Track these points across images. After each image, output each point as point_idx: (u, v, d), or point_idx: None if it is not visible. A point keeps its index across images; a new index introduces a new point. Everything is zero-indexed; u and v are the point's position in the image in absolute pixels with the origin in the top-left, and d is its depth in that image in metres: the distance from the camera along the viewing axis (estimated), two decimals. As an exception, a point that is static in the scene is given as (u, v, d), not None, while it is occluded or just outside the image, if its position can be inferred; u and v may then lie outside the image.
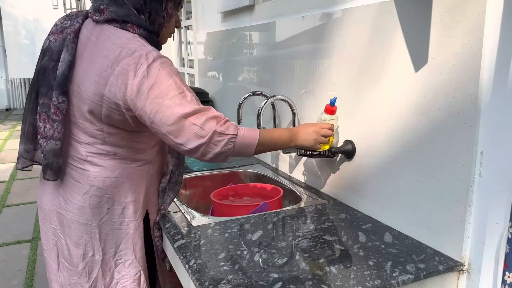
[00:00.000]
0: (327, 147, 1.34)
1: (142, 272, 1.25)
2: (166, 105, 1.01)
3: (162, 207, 1.30)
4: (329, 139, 1.31)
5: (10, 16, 9.14)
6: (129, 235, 1.22)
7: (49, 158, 1.11)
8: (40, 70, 1.11)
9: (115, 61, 1.03)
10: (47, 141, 1.10)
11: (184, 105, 1.02)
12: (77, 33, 1.10)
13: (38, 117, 1.12)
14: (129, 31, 1.08)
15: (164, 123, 1.02)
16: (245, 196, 1.61)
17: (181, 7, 1.21)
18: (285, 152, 1.66)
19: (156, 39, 1.14)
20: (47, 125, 1.10)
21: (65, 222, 1.18)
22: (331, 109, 1.33)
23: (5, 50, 9.48)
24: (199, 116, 1.04)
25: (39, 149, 1.15)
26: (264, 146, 1.15)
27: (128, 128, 1.13)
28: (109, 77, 1.03)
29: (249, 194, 1.62)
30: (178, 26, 1.25)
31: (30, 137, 1.17)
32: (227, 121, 1.08)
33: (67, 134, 1.14)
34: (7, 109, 10.06)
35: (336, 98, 1.32)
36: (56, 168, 1.12)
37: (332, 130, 1.30)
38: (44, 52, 1.12)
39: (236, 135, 1.08)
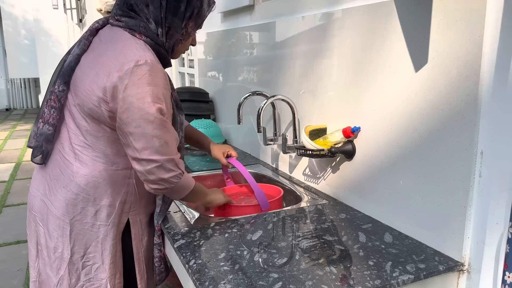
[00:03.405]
0: (326, 147, 1.35)
1: (108, 280, 1.21)
2: (137, 106, 1.03)
3: (157, 228, 1.29)
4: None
5: (10, 16, 9.13)
6: (99, 239, 1.20)
7: (39, 141, 1.18)
8: (60, 62, 1.21)
9: (111, 58, 1.07)
10: (43, 125, 1.18)
11: (155, 115, 1.05)
12: (93, 32, 1.19)
13: (46, 103, 1.20)
14: (135, 36, 1.11)
15: (129, 123, 1.04)
16: (243, 195, 1.62)
17: (200, 28, 1.24)
18: (285, 152, 1.66)
19: (163, 52, 1.15)
20: (46, 110, 1.18)
21: (44, 211, 1.20)
22: (348, 133, 1.33)
23: (5, 50, 9.47)
24: (164, 132, 1.07)
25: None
26: (191, 194, 1.21)
27: (106, 123, 1.13)
28: (101, 70, 1.07)
29: (246, 193, 1.62)
30: (194, 44, 1.29)
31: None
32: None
33: (62, 122, 1.19)
34: (7, 109, 10.06)
35: (360, 128, 1.32)
36: (44, 153, 1.18)
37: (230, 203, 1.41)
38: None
39: (183, 173, 1.15)
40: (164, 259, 1.34)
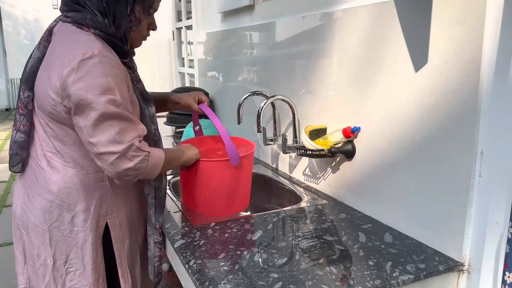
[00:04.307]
0: (328, 147, 1.34)
1: (92, 285, 1.20)
2: (86, 99, 1.00)
3: (157, 225, 1.26)
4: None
5: (10, 16, 9.14)
6: (78, 245, 1.18)
7: (14, 149, 1.17)
8: (24, 68, 1.17)
9: (59, 56, 1.05)
10: (16, 133, 1.17)
11: (106, 106, 1.01)
12: (50, 32, 1.15)
13: (17, 110, 1.18)
14: (84, 30, 1.08)
15: (82, 117, 1.02)
16: (214, 149, 1.52)
17: (154, 10, 1.19)
18: (285, 152, 1.66)
19: (117, 42, 1.11)
20: (18, 118, 1.16)
21: (25, 219, 1.19)
22: (348, 133, 1.33)
23: (5, 50, 9.47)
24: (120, 122, 1.04)
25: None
26: (166, 164, 1.17)
27: (68, 124, 1.11)
28: (51, 71, 1.06)
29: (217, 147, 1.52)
30: (153, 29, 1.23)
31: None
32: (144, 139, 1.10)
33: (34, 129, 1.17)
34: (7, 109, 10.06)
35: (360, 128, 1.32)
36: (20, 161, 1.18)
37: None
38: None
39: (149, 152, 1.10)
40: (162, 259, 1.32)
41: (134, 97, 1.15)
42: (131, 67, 1.20)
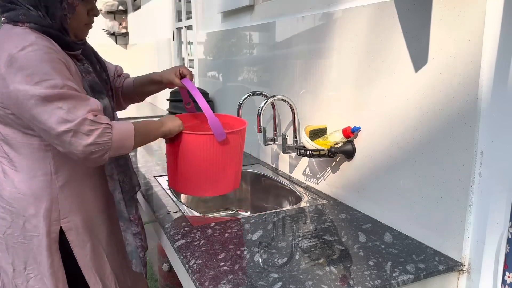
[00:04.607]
0: (328, 147, 1.35)
1: None
2: (27, 91, 0.99)
3: (132, 217, 1.25)
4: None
5: (10, 16, 9.14)
6: (34, 251, 1.15)
7: None
8: None
9: None
10: None
11: (47, 91, 0.99)
12: None
13: None
14: (19, 26, 1.07)
15: (28, 108, 1.00)
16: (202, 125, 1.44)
17: None
18: (285, 152, 1.66)
19: (55, 33, 1.08)
20: None
21: None
22: (348, 133, 1.33)
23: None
24: (66, 101, 1.00)
25: None
26: (141, 135, 1.13)
27: (14, 125, 1.09)
28: None
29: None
30: (96, 14, 1.18)
31: None
32: (103, 114, 1.05)
33: None
34: None
35: (360, 128, 1.32)
36: None
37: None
38: None
39: (110, 125, 1.05)
40: (146, 249, 1.29)
41: (81, 89, 1.11)
42: (80, 60, 1.17)
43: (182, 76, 1.35)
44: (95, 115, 1.03)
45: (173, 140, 1.27)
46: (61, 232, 1.18)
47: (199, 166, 1.27)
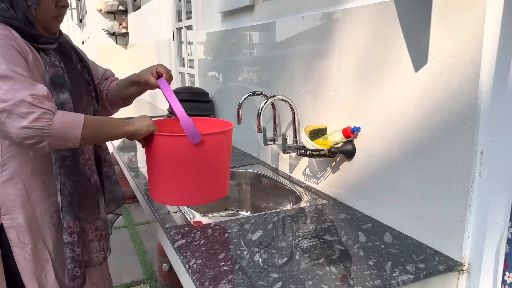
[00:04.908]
0: (328, 147, 1.35)
1: None
2: None
3: (65, 224, 1.16)
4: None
5: (10, 16, 9.14)
6: None
7: None
8: None
9: None
10: None
11: None
12: None
13: None
14: None
15: None
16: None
17: None
18: (285, 152, 1.66)
19: (19, 25, 1.07)
20: None
21: None
22: (348, 133, 1.33)
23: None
24: (8, 82, 0.97)
25: None
26: (93, 129, 1.06)
27: None
28: None
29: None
30: (64, 6, 1.15)
31: None
32: (50, 101, 1.00)
33: None
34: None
35: (360, 128, 1.32)
36: None
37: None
38: None
39: (53, 111, 0.99)
40: (80, 262, 1.20)
41: (39, 79, 1.10)
42: (48, 53, 1.16)
43: (159, 76, 1.27)
44: (37, 99, 0.97)
45: (148, 143, 1.18)
46: (2, 229, 1.13)
47: (173, 172, 1.16)
